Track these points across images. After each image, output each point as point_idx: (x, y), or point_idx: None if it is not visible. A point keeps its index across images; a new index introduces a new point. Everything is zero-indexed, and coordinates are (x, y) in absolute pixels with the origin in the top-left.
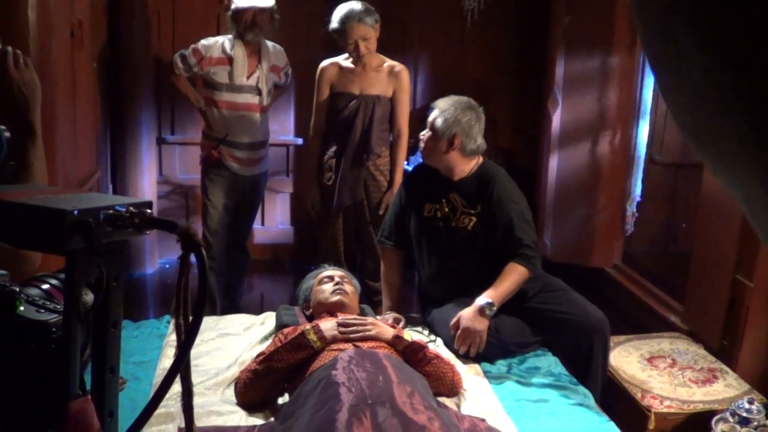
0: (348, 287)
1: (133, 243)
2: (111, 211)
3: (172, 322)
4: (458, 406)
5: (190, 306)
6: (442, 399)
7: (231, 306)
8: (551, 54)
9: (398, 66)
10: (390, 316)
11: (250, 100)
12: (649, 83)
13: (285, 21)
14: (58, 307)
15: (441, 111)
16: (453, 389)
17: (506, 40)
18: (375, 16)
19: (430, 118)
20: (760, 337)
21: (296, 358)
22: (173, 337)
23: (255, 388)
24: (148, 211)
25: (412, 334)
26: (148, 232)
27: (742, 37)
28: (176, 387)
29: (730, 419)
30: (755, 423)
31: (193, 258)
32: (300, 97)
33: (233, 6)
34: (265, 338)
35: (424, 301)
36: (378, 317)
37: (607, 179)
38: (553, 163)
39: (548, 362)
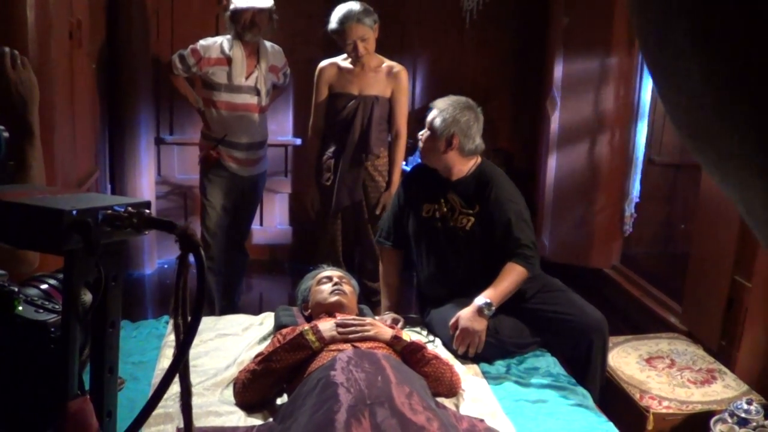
0: (347, 288)
1: (132, 243)
2: (110, 212)
3: (171, 322)
4: (457, 406)
5: (189, 306)
6: (440, 399)
7: (229, 306)
8: (550, 55)
9: (397, 66)
10: (389, 316)
11: (248, 101)
12: (648, 84)
13: (284, 21)
14: (57, 307)
15: (440, 111)
16: (452, 390)
17: (505, 40)
18: (374, 16)
19: (429, 118)
20: (759, 338)
21: (295, 359)
22: (172, 337)
23: (254, 388)
24: (147, 211)
25: (410, 335)
26: (146, 233)
27: (739, 37)
28: (175, 387)
29: (729, 420)
30: (754, 423)
31: (191, 258)
32: (298, 97)
33: (232, 6)
34: (264, 339)
35: (422, 302)
36: (376, 318)
37: (605, 180)
38: (552, 163)
39: (547, 363)
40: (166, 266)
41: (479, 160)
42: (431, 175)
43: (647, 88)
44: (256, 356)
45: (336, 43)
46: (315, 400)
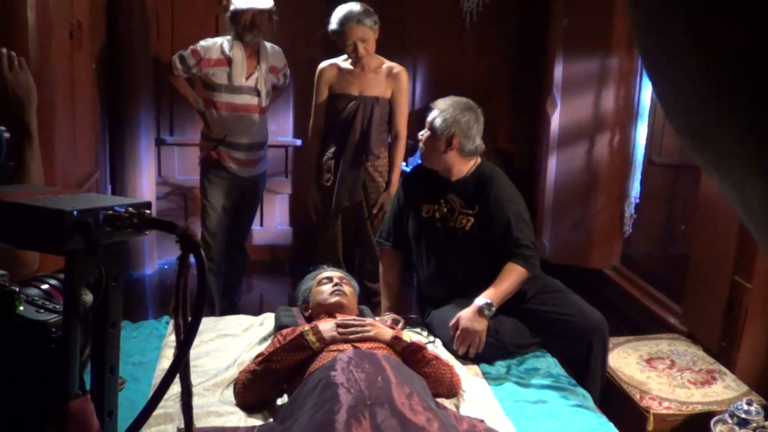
0: (347, 288)
1: (132, 244)
2: (110, 212)
3: (171, 322)
4: (457, 407)
5: (189, 306)
6: (440, 400)
7: (230, 307)
8: (550, 55)
9: (397, 67)
10: (389, 317)
11: (248, 101)
12: (648, 85)
13: (284, 22)
14: (58, 307)
15: (440, 111)
16: (452, 390)
17: (505, 41)
18: (374, 17)
19: (429, 118)
20: (759, 339)
21: (295, 359)
22: (172, 337)
23: (254, 388)
24: (148, 211)
25: (410, 335)
26: (147, 233)
27: (738, 37)
28: (175, 387)
29: (729, 420)
30: (754, 424)
31: (192, 259)
32: (299, 98)
33: (232, 7)
34: (264, 339)
35: (422, 302)
36: (377, 318)
37: (605, 181)
38: (552, 164)
39: (547, 363)
40: (166, 267)
41: (479, 160)
42: (431, 175)
43: (647, 88)
44: (257, 357)
45: (336, 43)
46: (315, 400)
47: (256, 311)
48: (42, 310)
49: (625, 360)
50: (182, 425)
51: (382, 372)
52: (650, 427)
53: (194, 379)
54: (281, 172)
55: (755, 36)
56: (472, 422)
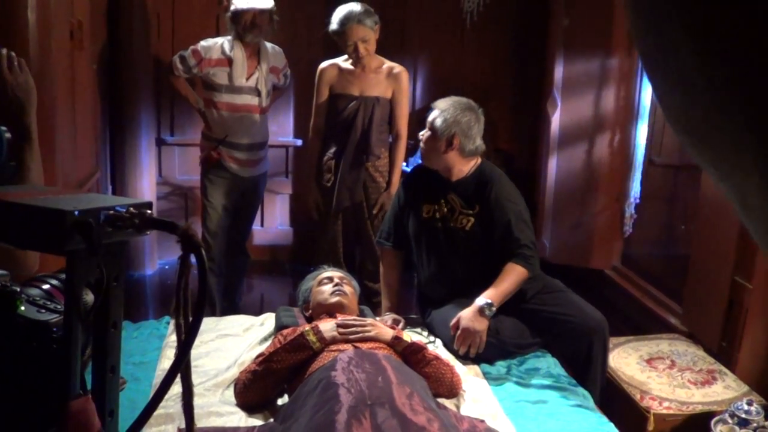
0: (347, 288)
1: (133, 244)
2: (111, 212)
3: (172, 322)
4: (457, 407)
5: (190, 306)
6: (441, 400)
7: (230, 307)
8: (550, 56)
9: (397, 67)
10: (389, 317)
11: (249, 102)
12: (648, 85)
13: (284, 22)
14: (59, 307)
15: (441, 111)
16: (452, 390)
17: (505, 41)
18: (374, 17)
19: (430, 118)
20: (759, 339)
21: (296, 359)
22: (173, 338)
23: (254, 389)
24: (149, 211)
25: (411, 335)
26: (148, 233)
27: (737, 35)
28: (175, 388)
29: (729, 420)
30: (754, 424)
31: (193, 259)
32: (299, 98)
33: (233, 7)
34: (265, 339)
35: (423, 302)
36: (377, 318)
37: (605, 181)
38: (552, 164)
39: (547, 363)
40: (166, 267)
41: (479, 160)
42: (431, 175)
43: (647, 89)
44: (257, 357)
45: (337, 44)
46: (316, 400)
47: (257, 311)
48: (43, 310)
49: (626, 360)
50: (182, 425)
51: (383, 372)
52: (650, 427)
53: (195, 379)
54: (282, 173)
55: (753, 36)
56: (473, 422)
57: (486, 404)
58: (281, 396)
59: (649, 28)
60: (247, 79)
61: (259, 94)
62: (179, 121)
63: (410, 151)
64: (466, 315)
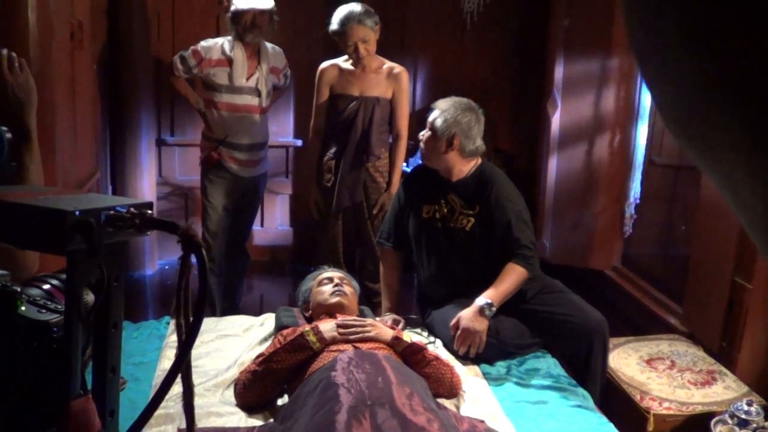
0: (347, 288)
1: (133, 244)
2: (112, 212)
3: (172, 323)
4: (457, 407)
5: (191, 306)
6: (441, 400)
7: (230, 307)
8: (550, 56)
9: (398, 68)
10: (389, 317)
11: (249, 102)
12: None
13: (284, 22)
14: (59, 307)
15: (441, 111)
16: (452, 391)
17: (506, 41)
18: (375, 18)
19: (430, 118)
20: (759, 339)
21: (295, 360)
22: (173, 338)
23: (254, 389)
24: (149, 212)
25: (411, 336)
26: (148, 233)
27: (729, 31)
28: (175, 388)
29: (729, 421)
30: (754, 425)
31: (193, 259)
32: (299, 98)
33: (233, 7)
34: (265, 339)
35: (423, 303)
36: (377, 319)
37: (606, 181)
38: (552, 165)
39: (547, 364)
40: (166, 267)
41: (479, 161)
42: (431, 176)
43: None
44: (257, 357)
45: (337, 44)
46: (316, 400)
47: (257, 311)
48: (44, 310)
49: (626, 360)
50: (182, 426)
51: (383, 372)
52: (650, 427)
53: (195, 379)
54: (282, 173)
55: (746, 33)
56: (473, 423)
57: (486, 404)
58: (281, 396)
59: (643, 24)
60: (248, 79)
61: (259, 95)
62: (179, 121)
63: (410, 152)
64: (466, 315)
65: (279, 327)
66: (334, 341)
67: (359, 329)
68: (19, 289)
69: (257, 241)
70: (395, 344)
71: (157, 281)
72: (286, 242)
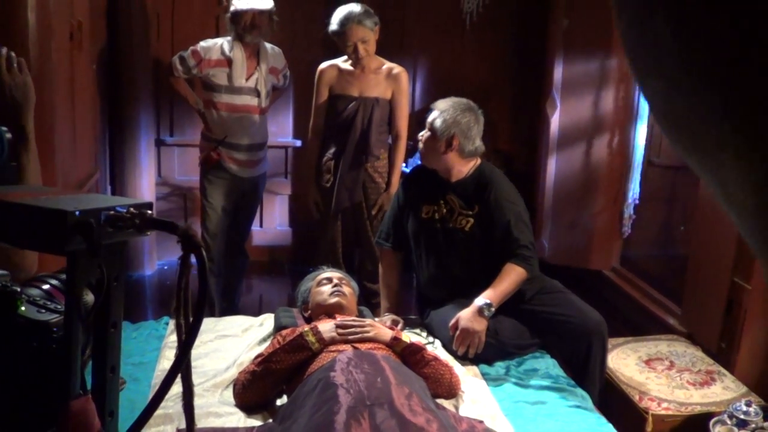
0: (346, 289)
1: (132, 245)
2: (112, 212)
3: (171, 323)
4: (456, 407)
5: (191, 307)
6: (440, 401)
7: (229, 307)
8: (550, 56)
9: (397, 68)
10: (388, 317)
11: (248, 102)
12: None
13: (284, 23)
14: (59, 307)
15: (440, 112)
16: (451, 391)
17: (505, 42)
18: (374, 18)
19: (430, 119)
20: (758, 340)
21: (295, 360)
22: (172, 338)
23: (253, 389)
24: (149, 212)
25: (410, 336)
26: (148, 233)
27: (717, 27)
28: (174, 388)
29: (728, 421)
30: (753, 425)
31: (192, 259)
32: (299, 99)
33: (232, 8)
34: (264, 340)
35: (422, 303)
36: (376, 319)
37: (605, 181)
38: (552, 165)
39: (546, 364)
40: (165, 267)
41: (479, 161)
42: (431, 176)
43: None
44: (256, 357)
45: (336, 44)
46: (315, 401)
47: (256, 312)
48: (43, 310)
49: (625, 361)
50: (181, 426)
51: (382, 373)
52: (649, 428)
53: (194, 379)
54: (281, 173)
55: (735, 28)
56: (472, 423)
57: (485, 405)
58: (280, 396)
59: (633, 20)
60: (247, 79)
61: (258, 95)
62: (179, 121)
63: (410, 152)
64: (465, 315)
65: (278, 327)
66: (333, 341)
67: (358, 329)
68: (19, 289)
69: (256, 242)
70: (394, 344)
71: (156, 282)
72: (285, 243)
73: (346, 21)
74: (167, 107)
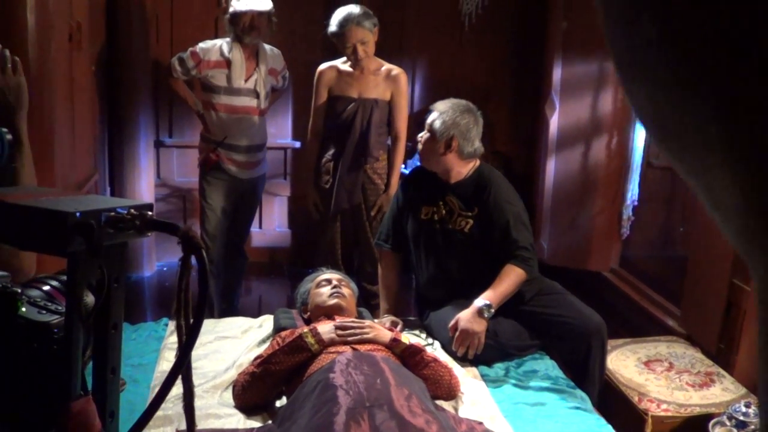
0: (345, 290)
1: (131, 246)
2: (112, 214)
3: (171, 324)
4: (456, 409)
5: (191, 308)
6: (439, 402)
7: (229, 309)
8: (549, 58)
9: (396, 69)
10: (387, 319)
11: (248, 103)
12: None
13: (283, 24)
14: (60, 308)
15: (440, 113)
16: (450, 392)
17: (504, 43)
18: (373, 19)
19: (429, 120)
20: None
21: (294, 361)
22: (171, 339)
23: (253, 391)
24: (149, 213)
25: (409, 337)
26: (148, 235)
27: (703, 30)
28: (174, 390)
29: (727, 423)
30: (752, 427)
31: (192, 260)
32: (298, 100)
33: (231, 9)
34: (263, 341)
35: (421, 304)
36: (375, 320)
37: (604, 183)
38: (551, 166)
39: (546, 365)
40: (165, 269)
41: (478, 162)
42: (430, 177)
43: None
44: (256, 359)
45: (335, 46)
46: (314, 402)
47: (255, 313)
48: (44, 312)
49: (624, 362)
50: (181, 427)
51: (381, 374)
52: (648, 429)
53: (193, 381)
54: (280, 174)
55: (721, 31)
56: (471, 424)
57: (484, 406)
58: (279, 398)
59: (618, 21)
60: (246, 80)
61: (257, 96)
62: (178, 122)
63: (409, 153)
64: (465, 316)
65: (277, 329)
66: (332, 343)
67: (357, 331)
68: (19, 291)
69: (255, 243)
70: (393, 346)
71: (155, 283)
72: (284, 244)
73: (345, 22)
74: (166, 108)
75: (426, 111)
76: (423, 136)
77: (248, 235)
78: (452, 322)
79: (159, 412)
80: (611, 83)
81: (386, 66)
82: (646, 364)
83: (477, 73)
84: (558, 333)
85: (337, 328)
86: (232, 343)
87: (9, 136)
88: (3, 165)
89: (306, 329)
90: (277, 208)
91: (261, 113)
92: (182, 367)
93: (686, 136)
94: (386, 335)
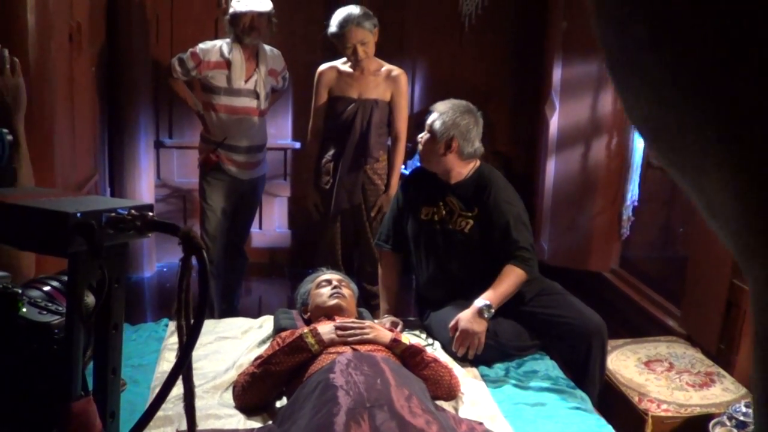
0: (346, 291)
1: (131, 246)
2: (113, 214)
3: (171, 325)
4: (456, 409)
5: (192, 308)
6: (439, 402)
7: (229, 309)
8: (549, 59)
9: (396, 70)
10: (388, 319)
11: (248, 104)
12: None
13: (283, 25)
14: (60, 308)
15: (440, 114)
16: (451, 393)
17: (504, 44)
18: (373, 20)
19: (429, 121)
20: None
21: (294, 362)
22: (171, 340)
23: (253, 391)
24: (150, 213)
25: (409, 338)
26: (149, 235)
27: (701, 33)
28: (174, 390)
29: (727, 423)
30: (752, 427)
31: (193, 261)
32: (298, 101)
33: (231, 10)
34: (263, 342)
35: (421, 305)
36: (376, 321)
37: (603, 183)
38: (551, 167)
39: (546, 366)
40: (165, 269)
41: (478, 163)
42: (430, 178)
43: None
44: (256, 359)
45: (335, 46)
46: (314, 402)
47: (255, 314)
48: (44, 312)
49: (624, 362)
50: (181, 428)
51: (381, 374)
52: (649, 429)
53: (194, 381)
54: (280, 175)
55: (719, 35)
56: (471, 425)
57: (484, 407)
58: (280, 398)
59: (611, 25)
60: (246, 81)
61: (257, 97)
62: (178, 123)
63: (409, 154)
64: (465, 317)
65: (277, 329)
66: (332, 343)
67: (357, 331)
68: (20, 291)
69: (255, 244)
70: (394, 346)
71: (155, 284)
72: (284, 244)
73: (345, 23)
74: (166, 109)
75: (426, 111)
76: (423, 136)
77: (248, 235)
78: (452, 323)
79: (159, 413)
80: (611, 83)
81: (386, 66)
82: (647, 364)
83: (477, 73)
84: (558, 333)
85: (337, 328)
86: (232, 344)
87: (9, 137)
88: (3, 166)
89: (306, 330)
90: (277, 209)
91: (261, 114)
92: (183, 368)
93: (681, 138)
94: (386, 336)
